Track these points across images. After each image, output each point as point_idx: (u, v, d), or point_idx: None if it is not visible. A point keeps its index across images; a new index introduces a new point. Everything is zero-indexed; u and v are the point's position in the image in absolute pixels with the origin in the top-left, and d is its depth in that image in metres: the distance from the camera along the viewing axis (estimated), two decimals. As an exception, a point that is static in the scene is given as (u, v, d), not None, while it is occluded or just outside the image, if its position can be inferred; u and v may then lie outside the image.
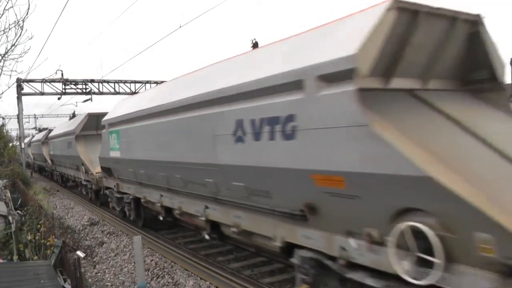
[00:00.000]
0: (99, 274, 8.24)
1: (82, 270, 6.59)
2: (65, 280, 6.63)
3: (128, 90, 35.83)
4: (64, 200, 18.88)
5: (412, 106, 4.66)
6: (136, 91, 36.02)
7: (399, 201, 3.80)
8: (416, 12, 4.32)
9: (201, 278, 7.30)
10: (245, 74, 5.72)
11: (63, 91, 33.67)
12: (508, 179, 3.79)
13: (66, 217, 14.62)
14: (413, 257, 3.70)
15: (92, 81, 34.35)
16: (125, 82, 35.61)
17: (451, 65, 5.10)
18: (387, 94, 4.52)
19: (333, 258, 4.70)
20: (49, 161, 25.92)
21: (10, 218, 8.97)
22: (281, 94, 4.87)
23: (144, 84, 36.23)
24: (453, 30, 4.74)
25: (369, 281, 4.21)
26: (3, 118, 47.41)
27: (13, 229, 8.55)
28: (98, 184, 14.42)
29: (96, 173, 14.26)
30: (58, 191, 22.57)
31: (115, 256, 9.33)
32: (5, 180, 17.72)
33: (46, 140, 26.42)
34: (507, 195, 3.49)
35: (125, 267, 8.47)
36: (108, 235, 11.32)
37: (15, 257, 8.04)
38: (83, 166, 16.13)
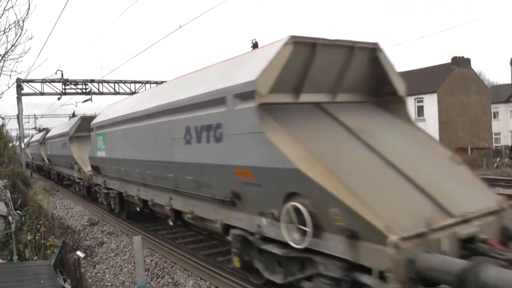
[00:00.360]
0: (99, 274, 8.24)
1: (82, 270, 6.58)
2: (65, 280, 6.63)
3: (128, 90, 35.80)
4: (64, 200, 18.88)
5: (315, 116, 5.94)
6: (136, 91, 36.01)
7: (286, 187, 5.10)
8: (314, 44, 5.61)
9: (201, 278, 7.30)
10: (189, 91, 7.18)
11: (63, 91, 33.66)
12: (372, 170, 5.08)
13: (66, 217, 14.62)
14: (296, 229, 4.98)
15: (92, 81, 34.34)
16: (125, 82, 35.59)
17: (358, 82, 6.43)
18: (297, 107, 5.89)
19: (253, 234, 5.96)
20: (47, 161, 27.00)
21: (10, 218, 8.97)
22: (213, 107, 6.27)
23: (144, 84, 36.21)
24: (352, 56, 6.02)
25: (275, 250, 5.48)
26: (3, 118, 47.41)
27: (13, 229, 8.55)
28: (89, 181, 16.07)
29: (87, 171, 15.69)
30: (58, 191, 22.57)
31: (115, 256, 9.32)
32: (5, 180, 17.72)
33: (43, 141, 27.16)
34: (362, 182, 4.69)
35: (125, 267, 8.46)
36: (108, 235, 11.31)
37: (15, 257, 8.04)
38: (76, 165, 17.74)
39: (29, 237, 8.39)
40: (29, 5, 6.28)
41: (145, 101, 9.54)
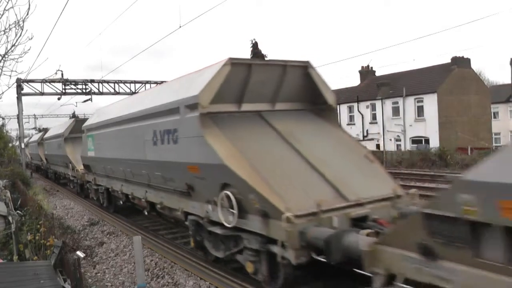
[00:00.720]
0: (99, 274, 8.24)
1: (82, 270, 6.59)
2: (65, 280, 6.63)
3: (128, 90, 35.80)
4: (64, 200, 18.89)
5: (254, 123, 7.25)
6: (136, 91, 36.02)
7: (220, 179, 6.46)
8: (249, 65, 7.01)
9: (201, 278, 7.30)
10: (156, 101, 8.72)
11: (63, 91, 33.65)
12: (287, 165, 6.43)
13: (66, 217, 14.62)
14: (228, 212, 6.30)
15: (92, 81, 34.34)
16: (125, 82, 35.59)
17: (294, 93, 7.82)
18: (240, 115, 7.27)
19: (202, 218, 7.29)
20: (44, 160, 28.30)
21: (10, 218, 8.97)
22: (171, 115, 7.69)
23: (144, 84, 36.20)
24: (286, 73, 7.39)
25: (217, 230, 6.78)
26: (3, 118, 47.39)
27: (13, 229, 8.55)
28: (82, 178, 17.52)
29: (80, 169, 16.90)
30: (57, 191, 22.58)
31: (115, 256, 9.33)
32: (5, 180, 17.72)
33: (41, 141, 28.42)
34: (276, 174, 6.07)
35: (125, 267, 8.47)
36: (108, 235, 11.32)
37: (15, 257, 8.03)
38: (70, 164, 19.20)
39: (29, 237, 8.38)
40: (29, 5, 6.27)
41: (126, 107, 11.00)
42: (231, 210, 6.22)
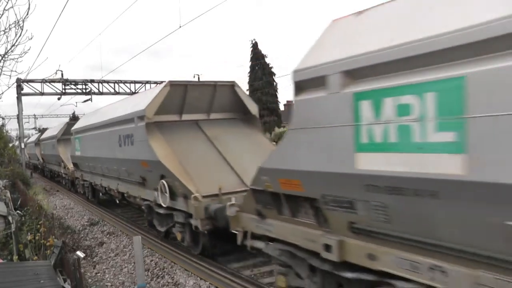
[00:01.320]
0: (99, 274, 8.24)
1: (82, 270, 6.58)
2: (65, 280, 6.62)
3: (127, 90, 35.79)
4: (64, 200, 18.88)
5: (191, 130, 9.48)
6: (136, 91, 36.02)
7: (159, 171, 8.62)
8: (185, 85, 9.34)
9: (201, 278, 7.30)
10: (121, 111, 10.97)
11: (63, 91, 33.64)
12: (206, 160, 8.66)
13: (66, 217, 14.62)
14: (164, 196, 8.63)
15: (92, 81, 34.32)
16: (124, 82, 35.58)
17: (226, 106, 10.10)
18: (181, 124, 9.53)
19: (152, 202, 9.65)
20: (41, 160, 30.21)
21: (10, 218, 8.95)
22: (129, 123, 9.98)
23: (144, 84, 36.20)
24: (216, 90, 9.69)
25: (161, 211, 9.13)
26: (3, 118, 47.42)
27: (13, 229, 8.55)
28: (72, 175, 19.87)
29: (70, 167, 19.01)
30: (57, 191, 22.58)
31: (115, 256, 9.32)
32: (5, 181, 17.71)
33: (38, 142, 30.43)
34: (196, 167, 8.36)
35: (125, 267, 8.46)
36: (108, 235, 11.31)
37: (15, 257, 8.03)
38: (62, 163, 21.47)
39: (29, 237, 8.38)
40: (29, 5, 6.27)
41: (103, 115, 13.36)
42: (166, 194, 8.59)
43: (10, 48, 6.85)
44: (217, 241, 8.39)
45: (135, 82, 35.93)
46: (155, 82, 37.05)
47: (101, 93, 34.87)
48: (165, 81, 9.28)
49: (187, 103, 9.50)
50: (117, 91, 35.48)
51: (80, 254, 6.56)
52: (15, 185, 18.88)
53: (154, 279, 7.62)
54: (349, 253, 4.43)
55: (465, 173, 3.10)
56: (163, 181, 8.57)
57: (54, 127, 27.72)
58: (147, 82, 36.47)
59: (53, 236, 8.12)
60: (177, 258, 8.63)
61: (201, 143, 9.17)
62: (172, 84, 9.13)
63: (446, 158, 3.24)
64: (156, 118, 9.07)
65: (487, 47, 2.98)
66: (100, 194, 16.25)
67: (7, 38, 6.73)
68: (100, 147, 12.92)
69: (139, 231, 11.10)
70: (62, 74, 33.12)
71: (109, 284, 7.64)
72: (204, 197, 7.58)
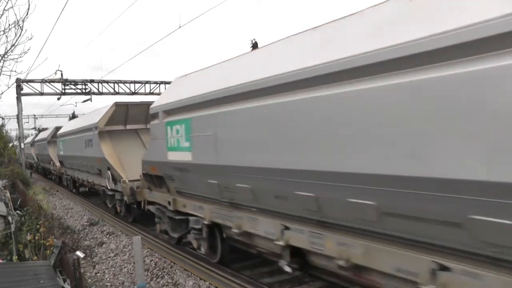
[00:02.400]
0: (98, 274, 8.24)
1: (82, 270, 6.58)
2: (64, 280, 6.62)
3: (127, 90, 35.77)
4: (64, 200, 18.88)
5: (131, 136, 13.50)
6: (136, 91, 36.02)
7: (106, 165, 12.94)
8: (127, 105, 13.45)
9: (200, 278, 7.30)
10: (84, 122, 15.75)
11: (63, 91, 33.61)
12: (136, 156, 11.31)
13: (66, 217, 14.62)
14: (110, 181, 13.14)
15: (91, 81, 34.31)
16: (124, 82, 35.55)
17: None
18: (125, 132, 13.55)
19: (104, 186, 13.97)
20: (36, 159, 27.44)
21: (9, 218, 8.95)
22: (90, 131, 14.14)
23: (143, 84, 36.18)
24: (148, 108, 10.06)
25: (109, 193, 13.80)
26: (3, 119, 47.40)
27: (12, 229, 8.54)
28: (59, 171, 23.59)
29: (57, 165, 17.89)
30: (57, 191, 22.57)
31: (114, 256, 9.32)
32: (4, 181, 17.71)
33: (33, 143, 27.10)
34: (129, 161, 12.34)
35: (124, 267, 8.46)
36: (107, 235, 11.31)
37: (14, 257, 8.02)
38: (51, 161, 23.44)
39: (28, 237, 8.37)
40: (29, 5, 6.28)
41: (75, 123, 18.30)
42: (110, 180, 12.90)
43: (10, 48, 6.86)
44: (141, 211, 11.53)
45: (134, 82, 35.90)
46: (155, 82, 37.03)
47: (100, 93, 34.84)
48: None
49: (130, 115, 13.33)
50: (117, 91, 35.46)
51: (79, 254, 6.55)
52: (14, 185, 18.88)
53: (154, 279, 7.62)
54: (177, 205, 8.54)
55: (191, 160, 7.16)
56: (108, 172, 12.98)
57: (46, 130, 32.31)
58: (147, 82, 36.45)
59: (53, 236, 8.12)
60: (177, 258, 8.63)
61: (136, 146, 13.01)
62: (118, 104, 13.24)
63: (187, 153, 7.31)
64: (106, 128, 13.19)
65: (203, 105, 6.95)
66: (77, 185, 19.95)
67: (6, 38, 6.74)
68: (75, 148, 16.84)
69: (139, 231, 11.09)
70: (61, 74, 33.08)
71: (109, 284, 7.64)
72: (130, 181, 11.52)
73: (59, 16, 14.84)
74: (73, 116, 53.05)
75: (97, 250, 9.93)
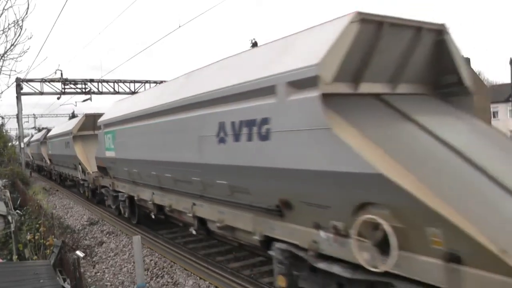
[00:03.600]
0: (98, 273, 8.24)
1: (82, 270, 6.59)
2: (64, 280, 6.63)
3: (127, 90, 35.75)
4: (64, 200, 18.88)
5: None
6: (136, 91, 35.95)
7: (77, 161, 17.39)
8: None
9: (200, 278, 7.30)
10: (58, 129, 22.44)
11: (63, 90, 33.60)
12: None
13: (66, 217, 14.62)
14: (80, 172, 17.73)
15: (91, 80, 34.30)
16: (124, 81, 35.55)
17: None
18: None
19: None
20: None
21: (9, 218, 8.96)
22: (65, 136, 19.00)
23: (143, 84, 36.16)
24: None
25: (85, 183, 17.64)
26: (3, 118, 47.39)
27: (12, 229, 8.55)
28: (48, 167, 26.62)
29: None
30: (57, 190, 22.57)
31: (114, 256, 9.33)
32: (4, 180, 17.71)
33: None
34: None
35: (124, 266, 8.47)
36: (107, 235, 11.31)
37: (14, 257, 8.04)
38: (44, 159, 26.53)
39: (28, 237, 8.39)
40: (28, 4, 6.26)
41: (59, 128, 21.39)
42: (80, 172, 16.39)
43: (10, 48, 6.84)
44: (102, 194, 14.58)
45: (134, 81, 35.91)
46: (155, 82, 36.97)
47: (100, 93, 34.83)
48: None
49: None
50: (117, 90, 35.45)
51: (79, 253, 6.57)
52: (14, 185, 18.88)
53: (154, 278, 7.63)
54: (113, 186, 12.59)
55: (115, 156, 11.38)
56: (79, 166, 16.97)
57: (39, 133, 32.83)
58: (147, 81, 36.45)
59: (53, 236, 8.13)
60: (176, 257, 8.63)
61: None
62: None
63: (113, 152, 11.49)
64: (79, 133, 17.41)
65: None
66: (62, 178, 24.48)
67: (6, 37, 6.72)
68: (53, 149, 22.49)
69: (139, 231, 11.10)
70: (61, 74, 33.04)
71: (109, 283, 7.64)
72: (93, 172, 14.84)
73: (58, 16, 14.85)
74: (73, 116, 53.06)
75: (97, 250, 9.93)
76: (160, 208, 9.52)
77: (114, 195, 13.09)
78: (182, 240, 10.22)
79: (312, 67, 4.46)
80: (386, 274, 4.01)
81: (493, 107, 42.66)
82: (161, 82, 37.01)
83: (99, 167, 13.89)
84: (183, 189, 7.88)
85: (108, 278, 7.92)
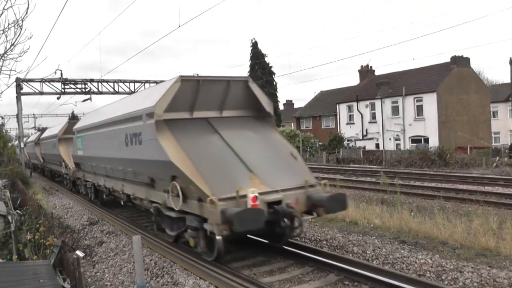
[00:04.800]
0: (98, 273, 8.25)
1: (82, 269, 6.59)
2: (64, 280, 6.63)
3: (127, 90, 35.72)
4: (64, 200, 18.88)
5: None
6: (136, 90, 35.93)
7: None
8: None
9: (200, 278, 7.29)
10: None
11: (63, 90, 33.59)
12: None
13: (65, 216, 14.62)
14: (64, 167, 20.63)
15: (91, 80, 34.28)
16: (124, 81, 35.52)
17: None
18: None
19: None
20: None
21: (9, 217, 8.96)
22: (53, 139, 22.55)
23: (143, 84, 36.14)
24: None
25: (67, 177, 21.49)
26: (2, 118, 47.43)
27: (12, 228, 8.55)
28: (42, 164, 28.29)
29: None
30: (57, 190, 22.58)
31: (114, 255, 9.33)
32: (4, 180, 17.71)
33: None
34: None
35: (124, 266, 8.46)
36: (107, 235, 11.31)
37: (14, 257, 8.03)
38: (63, 162, 23.15)
39: (28, 237, 8.38)
40: (29, 4, 6.25)
41: (47, 132, 24.03)
42: (63, 167, 17.15)
43: (10, 48, 6.83)
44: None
45: (134, 81, 35.88)
46: (155, 81, 36.92)
47: (100, 93, 34.80)
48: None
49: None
50: (117, 90, 35.42)
51: (79, 253, 6.56)
52: (14, 185, 18.89)
53: (154, 278, 7.63)
54: (84, 177, 16.78)
55: (82, 154, 15.54)
56: (63, 162, 19.65)
57: (33, 134, 36.58)
58: (147, 81, 36.42)
59: (53, 236, 8.12)
60: (176, 257, 8.63)
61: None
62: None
63: (81, 151, 15.45)
64: (63, 136, 20.69)
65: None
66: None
67: (6, 37, 6.71)
68: (43, 149, 22.28)
69: (139, 231, 11.10)
70: (61, 74, 33.02)
71: (109, 283, 7.64)
72: (73, 169, 17.82)
73: (59, 15, 14.89)
74: (73, 116, 53.09)
75: (97, 250, 9.93)
76: (109, 190, 13.40)
77: (84, 184, 17.42)
78: (181, 240, 10.21)
79: (151, 107, 8.42)
80: (182, 212, 7.91)
81: (492, 107, 42.67)
82: (161, 81, 37.00)
83: (75, 163, 17.97)
84: (116, 175, 11.94)
85: (108, 278, 7.92)
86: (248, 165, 7.92)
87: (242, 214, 6.52)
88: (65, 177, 22.11)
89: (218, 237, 7.12)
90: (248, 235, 8.69)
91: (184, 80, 8.33)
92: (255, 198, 7.01)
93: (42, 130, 33.32)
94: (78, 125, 16.92)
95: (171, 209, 8.23)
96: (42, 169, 32.50)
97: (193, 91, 8.54)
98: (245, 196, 6.97)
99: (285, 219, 7.27)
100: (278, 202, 7.37)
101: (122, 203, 12.81)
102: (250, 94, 9.34)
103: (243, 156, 8.12)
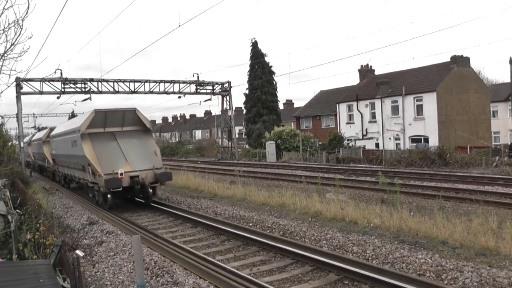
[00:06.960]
0: (98, 273, 8.24)
1: (81, 269, 6.58)
2: (64, 279, 6.63)
3: (127, 89, 35.70)
4: (63, 199, 18.87)
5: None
6: (135, 90, 35.95)
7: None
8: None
9: (200, 277, 7.30)
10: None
11: (62, 90, 33.59)
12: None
13: (65, 216, 14.61)
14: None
15: (91, 80, 34.28)
16: (124, 81, 35.50)
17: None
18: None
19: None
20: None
21: (9, 217, 8.96)
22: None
23: (143, 83, 36.13)
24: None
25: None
26: (2, 117, 47.42)
27: (12, 228, 8.55)
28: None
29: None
30: (57, 190, 22.58)
31: (114, 255, 9.32)
32: (4, 179, 17.71)
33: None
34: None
35: (124, 266, 8.46)
36: (107, 234, 11.31)
37: (14, 257, 8.03)
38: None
39: (28, 236, 8.37)
40: (29, 4, 6.25)
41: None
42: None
43: (10, 47, 6.83)
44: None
45: (134, 81, 35.86)
46: (155, 81, 36.94)
47: (100, 92, 34.79)
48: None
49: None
50: (116, 90, 35.38)
51: (79, 253, 6.56)
52: (14, 184, 18.88)
53: (154, 278, 7.63)
54: (58, 170, 24.60)
55: (54, 153, 23.96)
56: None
57: (30, 135, 40.06)
58: (147, 81, 36.41)
59: (53, 235, 8.12)
60: (176, 257, 8.63)
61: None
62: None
63: (54, 151, 23.58)
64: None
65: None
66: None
67: (6, 37, 6.72)
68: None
69: (139, 230, 11.10)
70: (61, 73, 33.02)
71: (109, 283, 7.64)
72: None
73: (59, 15, 14.98)
74: (73, 115, 53.13)
75: (96, 249, 9.93)
76: (70, 176, 20.30)
77: (58, 174, 24.38)
78: (182, 239, 10.21)
79: (79, 126, 15.63)
80: (93, 182, 15.47)
81: (492, 106, 42.65)
82: (161, 81, 36.99)
83: (52, 160, 24.91)
84: (70, 165, 19.05)
85: (108, 278, 7.92)
86: (127, 158, 15.01)
87: (110, 180, 13.89)
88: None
89: (109, 196, 14.49)
90: (129, 196, 16.50)
91: (97, 111, 15.55)
92: (122, 174, 14.21)
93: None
94: (53, 132, 24.51)
95: (90, 182, 15.56)
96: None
97: (103, 117, 15.67)
98: (117, 173, 14.15)
99: (140, 186, 14.92)
100: (137, 177, 14.55)
101: (76, 184, 20.75)
102: (138, 117, 16.33)
103: (126, 153, 15.13)
